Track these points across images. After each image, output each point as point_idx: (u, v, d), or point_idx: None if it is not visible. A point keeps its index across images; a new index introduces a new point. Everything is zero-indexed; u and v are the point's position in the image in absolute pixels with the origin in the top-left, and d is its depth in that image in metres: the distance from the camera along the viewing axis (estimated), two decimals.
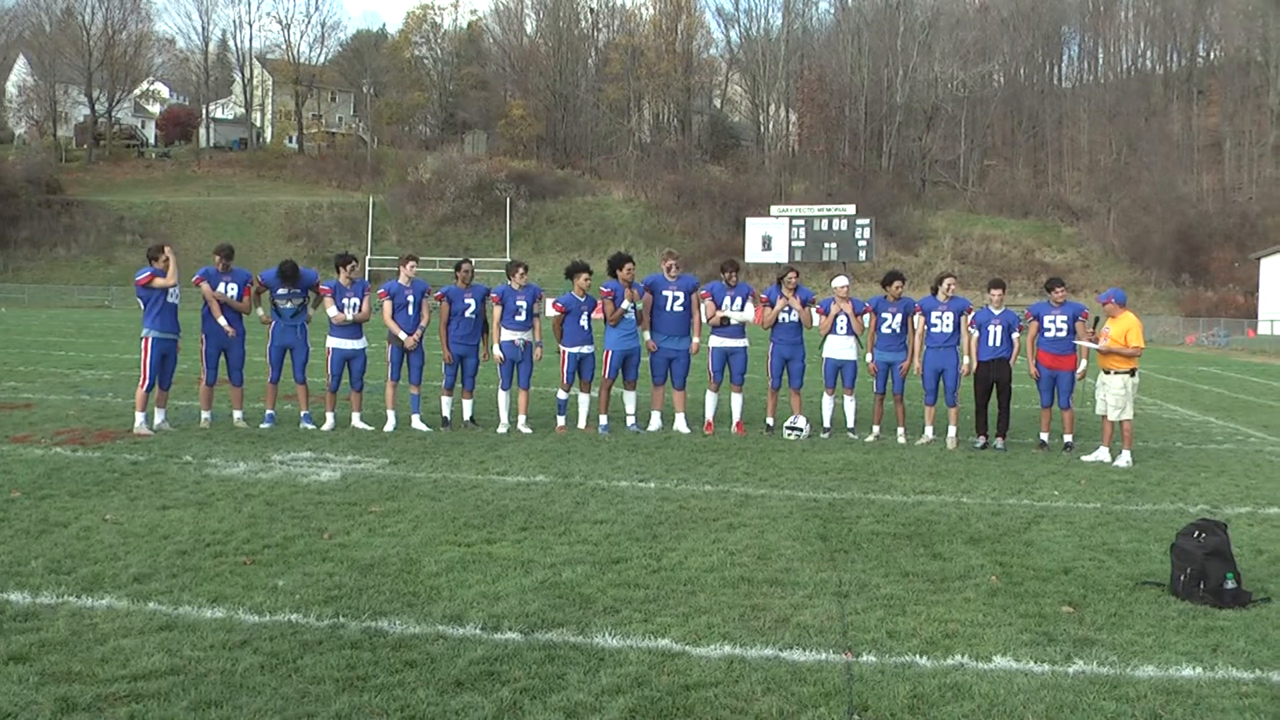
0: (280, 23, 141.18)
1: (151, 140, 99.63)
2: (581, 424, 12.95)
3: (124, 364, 20.08)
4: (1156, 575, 6.71)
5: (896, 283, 12.92)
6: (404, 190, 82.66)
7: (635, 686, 4.70)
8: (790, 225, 55.16)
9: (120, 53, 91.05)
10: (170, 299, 11.92)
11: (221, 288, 12.45)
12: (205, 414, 12.52)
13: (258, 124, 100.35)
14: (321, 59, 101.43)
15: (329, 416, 12.51)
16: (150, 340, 11.72)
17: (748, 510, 8.53)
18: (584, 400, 13.05)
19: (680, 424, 13.00)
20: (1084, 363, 12.53)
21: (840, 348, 13.03)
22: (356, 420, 12.62)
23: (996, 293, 12.70)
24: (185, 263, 13.23)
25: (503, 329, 12.64)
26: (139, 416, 11.73)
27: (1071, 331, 12.33)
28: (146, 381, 11.74)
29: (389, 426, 12.51)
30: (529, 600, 5.88)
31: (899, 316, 12.81)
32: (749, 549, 7.21)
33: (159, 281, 11.80)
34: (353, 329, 12.62)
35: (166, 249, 12.02)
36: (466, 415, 12.95)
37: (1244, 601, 6.17)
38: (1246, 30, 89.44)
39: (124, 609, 5.56)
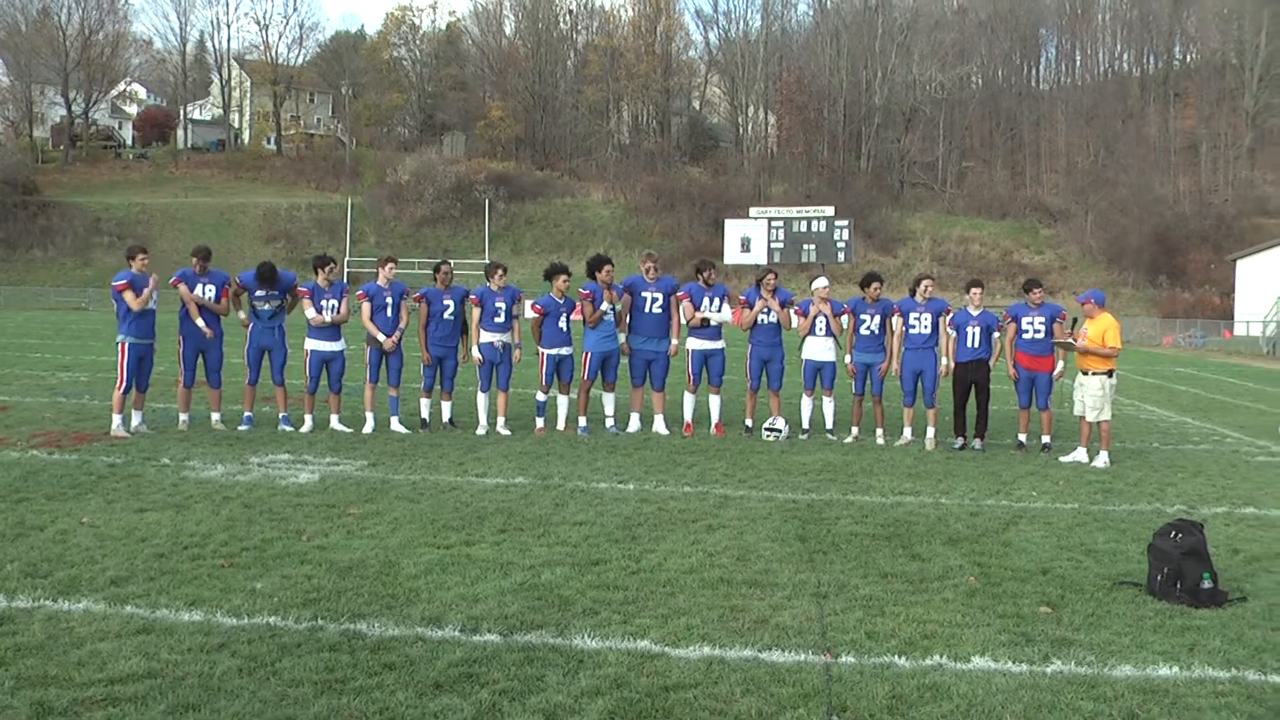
0: (258, 24, 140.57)
1: (129, 141, 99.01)
2: (560, 426, 12.93)
3: (101, 366, 19.95)
4: (1134, 575, 6.75)
5: (875, 284, 12.98)
6: (382, 192, 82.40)
7: (614, 688, 4.70)
8: (769, 227, 55.20)
9: (97, 53, 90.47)
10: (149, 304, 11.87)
11: (199, 289, 12.38)
12: (183, 416, 12.45)
13: (236, 125, 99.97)
14: (300, 60, 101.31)
15: (307, 418, 12.47)
16: (127, 345, 11.68)
17: (727, 511, 8.53)
18: (563, 402, 13.03)
19: (659, 425, 13.01)
20: (1061, 364, 12.59)
21: (819, 349, 13.06)
22: (335, 422, 12.58)
23: (975, 293, 12.75)
24: (163, 264, 13.15)
25: (481, 331, 12.63)
26: (116, 419, 11.66)
27: (1049, 333, 12.37)
28: (124, 384, 11.68)
29: (368, 428, 12.46)
30: (508, 602, 5.87)
31: (877, 318, 12.85)
32: (728, 550, 7.21)
33: (130, 300, 11.66)
34: (331, 331, 12.58)
35: (151, 276, 11.89)
36: (445, 417, 12.92)
37: (1220, 601, 6.22)
38: (1222, 33, 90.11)
39: (101, 612, 5.52)
